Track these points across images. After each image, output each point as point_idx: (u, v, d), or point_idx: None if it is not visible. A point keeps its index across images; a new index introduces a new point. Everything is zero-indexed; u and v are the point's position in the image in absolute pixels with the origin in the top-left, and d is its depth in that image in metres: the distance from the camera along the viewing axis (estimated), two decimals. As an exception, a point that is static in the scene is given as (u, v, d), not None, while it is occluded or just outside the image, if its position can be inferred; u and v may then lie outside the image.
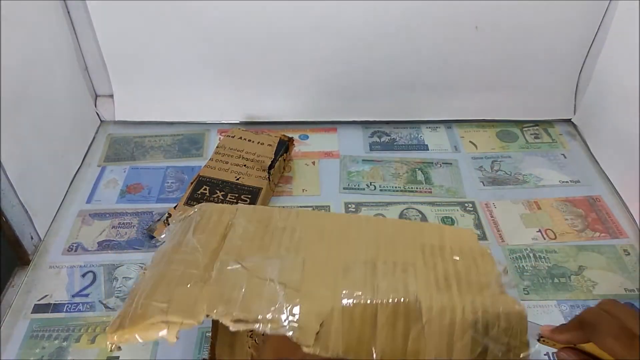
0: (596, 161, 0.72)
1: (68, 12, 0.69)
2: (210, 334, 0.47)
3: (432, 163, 0.72)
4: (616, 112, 0.68)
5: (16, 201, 0.55)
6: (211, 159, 0.66)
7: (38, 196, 0.59)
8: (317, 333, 0.34)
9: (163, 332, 0.34)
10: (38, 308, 0.54)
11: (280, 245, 0.40)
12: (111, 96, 0.77)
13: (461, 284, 0.37)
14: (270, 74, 0.74)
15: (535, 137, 0.76)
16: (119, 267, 0.58)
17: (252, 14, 0.67)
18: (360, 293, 0.35)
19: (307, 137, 0.76)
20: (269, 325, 0.34)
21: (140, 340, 0.34)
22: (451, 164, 0.72)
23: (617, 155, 0.68)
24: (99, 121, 0.78)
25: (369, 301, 0.35)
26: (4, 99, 0.53)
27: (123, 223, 0.62)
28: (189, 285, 0.36)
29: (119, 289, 0.55)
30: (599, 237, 0.61)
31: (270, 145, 0.68)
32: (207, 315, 0.34)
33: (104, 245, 0.60)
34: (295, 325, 0.34)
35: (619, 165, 0.68)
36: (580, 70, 0.75)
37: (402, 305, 0.35)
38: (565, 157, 0.73)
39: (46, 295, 0.55)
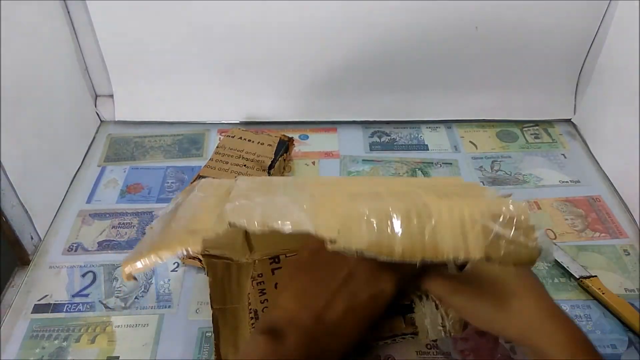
0: (596, 161, 0.72)
1: (68, 12, 0.69)
2: (209, 334, 0.47)
3: (432, 163, 0.72)
4: (616, 112, 0.68)
5: (16, 201, 0.55)
6: (211, 159, 0.66)
7: (38, 196, 0.59)
8: (339, 232, 0.35)
9: (187, 245, 0.35)
10: (38, 308, 0.54)
11: (287, 188, 0.42)
12: (111, 96, 0.77)
13: (461, 195, 0.40)
14: (271, 74, 0.74)
15: (535, 137, 0.76)
16: (119, 267, 0.58)
17: (253, 14, 0.67)
18: (373, 205, 0.37)
19: (307, 137, 0.76)
20: (292, 225, 0.35)
21: (162, 260, 0.35)
22: (451, 164, 0.72)
23: (617, 155, 0.68)
24: (99, 121, 0.78)
25: (382, 210, 0.37)
26: (4, 99, 0.53)
27: (123, 223, 0.63)
28: (204, 214, 0.38)
29: (119, 289, 0.55)
30: (599, 237, 0.61)
31: (270, 145, 0.68)
32: (230, 223, 0.35)
33: (104, 245, 0.60)
34: (318, 223, 0.35)
35: (619, 165, 0.68)
36: (580, 70, 0.75)
37: (414, 209, 0.37)
38: (565, 157, 0.73)
39: (46, 295, 0.55)
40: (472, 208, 0.37)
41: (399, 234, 0.36)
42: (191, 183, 0.62)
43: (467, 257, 0.36)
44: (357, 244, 0.35)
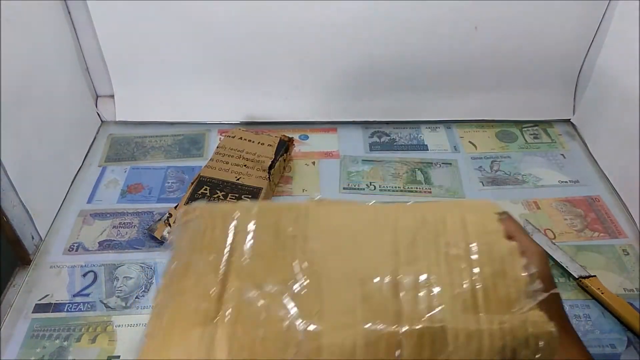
0: (595, 161, 0.72)
1: (69, 13, 0.69)
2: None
3: (432, 163, 0.72)
4: (616, 112, 0.68)
5: (17, 201, 0.55)
6: (211, 159, 0.66)
7: (39, 196, 0.59)
8: None
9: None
10: (39, 308, 0.54)
11: (294, 261, 0.38)
12: (112, 96, 0.77)
13: (489, 301, 0.35)
14: (270, 74, 0.74)
15: (535, 138, 0.76)
16: (119, 266, 0.58)
17: (253, 14, 0.68)
18: (382, 325, 0.34)
19: (307, 137, 0.76)
20: None
21: None
22: (451, 164, 0.72)
23: (616, 155, 0.68)
24: (100, 121, 0.78)
25: (392, 331, 0.34)
26: (5, 99, 0.53)
27: (124, 223, 0.63)
28: (203, 328, 0.35)
29: (119, 288, 0.56)
30: (598, 237, 0.61)
31: (270, 145, 0.68)
32: None
33: (105, 245, 0.60)
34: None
35: (618, 165, 0.68)
36: (580, 70, 0.75)
37: (427, 333, 0.34)
38: (564, 157, 0.73)
39: (47, 295, 0.55)
40: (494, 335, 0.33)
41: None
42: (191, 184, 0.63)
43: None
44: None
